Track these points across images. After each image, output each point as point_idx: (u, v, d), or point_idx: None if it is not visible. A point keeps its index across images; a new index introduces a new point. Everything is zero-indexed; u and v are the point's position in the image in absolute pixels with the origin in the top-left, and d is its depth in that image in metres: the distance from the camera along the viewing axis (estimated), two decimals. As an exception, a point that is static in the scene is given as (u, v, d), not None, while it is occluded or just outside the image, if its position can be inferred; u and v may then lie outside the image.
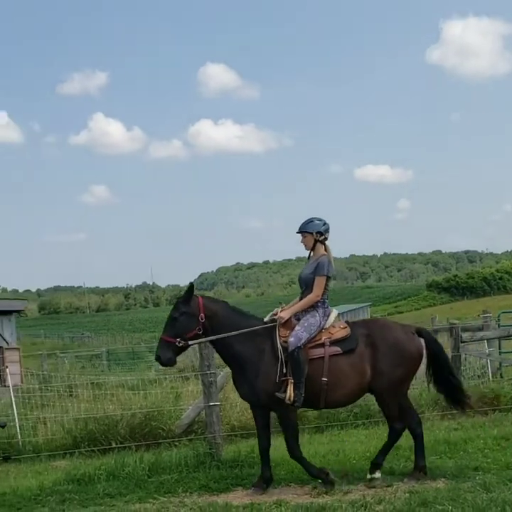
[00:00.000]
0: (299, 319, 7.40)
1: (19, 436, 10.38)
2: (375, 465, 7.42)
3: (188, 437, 10.18)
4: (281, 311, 7.41)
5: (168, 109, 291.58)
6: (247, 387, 7.31)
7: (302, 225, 7.62)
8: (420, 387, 10.99)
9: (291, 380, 7.09)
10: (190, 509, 6.71)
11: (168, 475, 8.01)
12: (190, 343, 7.28)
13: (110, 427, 10.25)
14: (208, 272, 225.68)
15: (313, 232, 7.56)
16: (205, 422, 8.75)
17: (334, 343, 7.31)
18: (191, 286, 7.46)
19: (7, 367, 11.68)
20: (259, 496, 7.07)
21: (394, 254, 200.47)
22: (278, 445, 7.83)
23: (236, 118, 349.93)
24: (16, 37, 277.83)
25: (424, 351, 7.55)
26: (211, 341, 7.50)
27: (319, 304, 7.43)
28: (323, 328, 7.37)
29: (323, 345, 7.29)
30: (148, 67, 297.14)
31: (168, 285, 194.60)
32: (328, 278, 7.48)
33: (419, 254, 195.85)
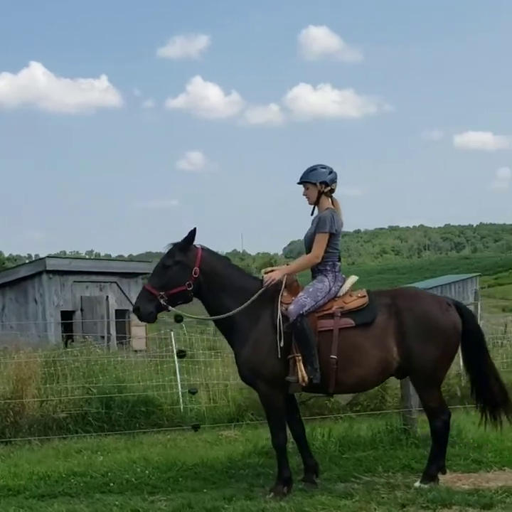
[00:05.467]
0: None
1: (181, 404, 10.03)
2: (428, 476, 6.28)
3: (354, 409, 9.65)
4: (274, 271, 6.37)
5: (267, 73, 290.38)
6: (239, 361, 6.38)
7: (304, 174, 6.51)
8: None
9: (298, 357, 6.06)
10: (405, 491, 6.10)
11: (363, 452, 7.45)
12: (170, 308, 6.30)
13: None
14: (298, 240, 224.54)
15: (317, 183, 6.44)
16: (400, 394, 8.08)
17: (347, 313, 6.23)
18: (194, 231, 6.36)
19: (171, 331, 11.30)
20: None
21: (491, 224, 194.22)
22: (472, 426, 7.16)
23: (335, 83, 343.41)
24: (118, 0, 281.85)
25: (461, 329, 6.35)
26: (204, 302, 6.48)
27: (328, 268, 6.37)
28: (335, 296, 6.33)
29: (332, 315, 6.23)
30: (249, 30, 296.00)
31: (258, 253, 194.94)
32: (332, 235, 6.38)
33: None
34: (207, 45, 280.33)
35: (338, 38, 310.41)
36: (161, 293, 6.24)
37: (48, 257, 20.17)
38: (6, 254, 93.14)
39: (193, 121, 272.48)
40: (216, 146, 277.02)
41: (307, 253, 6.49)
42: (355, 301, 6.30)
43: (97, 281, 21.56)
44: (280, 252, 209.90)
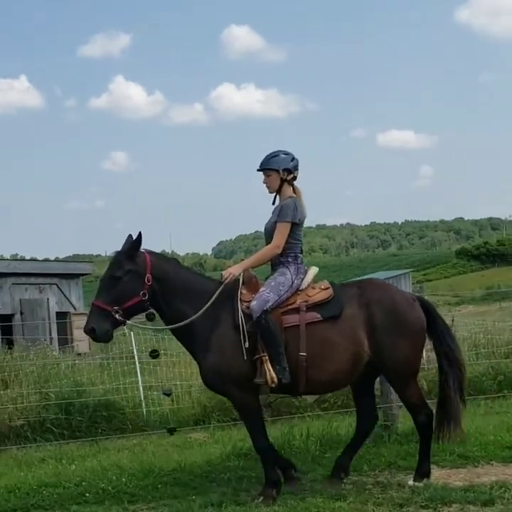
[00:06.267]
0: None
1: (144, 407, 9.62)
2: (422, 473, 6.07)
3: (322, 407, 9.47)
4: (231, 267, 6.04)
5: (191, 72, 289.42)
6: (203, 368, 5.91)
7: (265, 160, 6.10)
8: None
9: (265, 357, 5.66)
10: (398, 491, 5.91)
11: (344, 450, 7.22)
12: (128, 322, 5.84)
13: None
14: (226, 240, 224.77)
15: (280, 170, 6.05)
16: (380, 390, 7.86)
17: (312, 307, 5.87)
18: (140, 235, 5.76)
19: (130, 332, 10.84)
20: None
21: (415, 221, 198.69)
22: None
23: (259, 82, 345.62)
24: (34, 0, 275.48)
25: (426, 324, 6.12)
26: (159, 310, 5.94)
27: (290, 260, 6.01)
28: (298, 290, 5.96)
29: (298, 310, 5.86)
30: (171, 29, 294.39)
31: (187, 253, 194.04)
32: (295, 225, 6.01)
33: (441, 221, 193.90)
34: (128, 44, 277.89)
35: (261, 38, 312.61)
36: (115, 307, 5.66)
37: (-16, 259, 19.18)
38: None
39: (117, 121, 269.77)
40: (140, 145, 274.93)
41: (268, 244, 6.11)
42: (320, 294, 5.95)
43: (37, 284, 20.72)
44: (209, 252, 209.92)
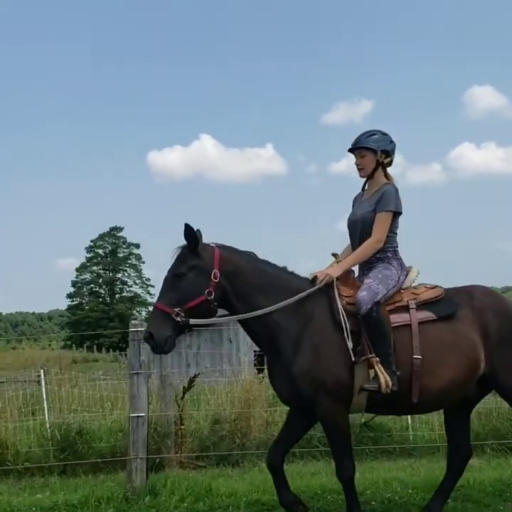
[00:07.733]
0: (361, 280, 5.14)
1: (411, 430, 9.23)
2: None
3: None
4: (327, 268, 5.17)
5: (430, 133, 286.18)
6: (288, 379, 4.92)
7: (361, 138, 5.29)
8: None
9: (375, 359, 4.80)
10: None
11: None
12: (191, 321, 4.86)
13: None
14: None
15: (378, 151, 5.23)
16: None
17: (423, 305, 5.06)
18: (198, 231, 5.03)
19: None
20: None
21: None
22: None
23: (500, 140, 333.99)
24: (281, 72, 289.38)
25: None
26: (232, 311, 5.10)
27: (390, 255, 5.19)
28: (402, 288, 5.16)
29: (407, 308, 5.04)
30: (412, 93, 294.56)
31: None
32: (396, 215, 5.19)
33: None
34: (370, 110, 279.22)
35: (503, 96, 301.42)
36: (176, 309, 4.85)
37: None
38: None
39: (355, 184, 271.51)
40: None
41: (355, 239, 5.33)
42: (428, 292, 5.19)
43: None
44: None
